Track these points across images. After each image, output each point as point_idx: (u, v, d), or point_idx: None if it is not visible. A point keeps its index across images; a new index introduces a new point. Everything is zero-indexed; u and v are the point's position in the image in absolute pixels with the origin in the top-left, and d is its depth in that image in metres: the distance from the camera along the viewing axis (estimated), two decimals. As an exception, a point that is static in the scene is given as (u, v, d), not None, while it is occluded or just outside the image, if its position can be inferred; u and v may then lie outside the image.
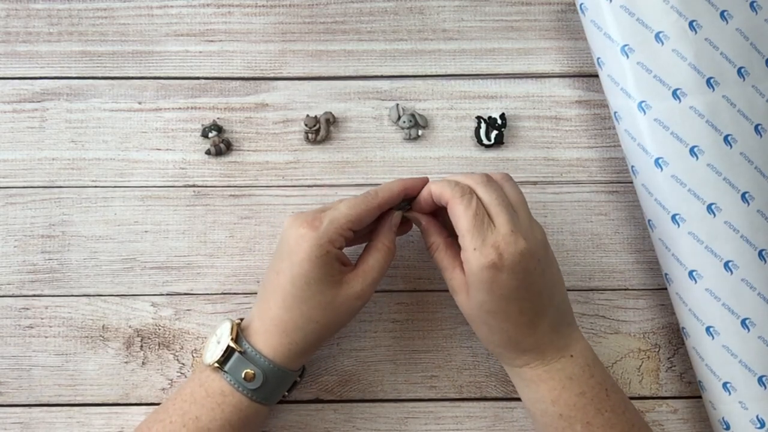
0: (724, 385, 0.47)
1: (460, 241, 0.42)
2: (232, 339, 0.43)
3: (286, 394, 0.47)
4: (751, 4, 0.47)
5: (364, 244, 0.47)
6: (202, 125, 0.52)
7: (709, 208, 0.46)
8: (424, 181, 0.46)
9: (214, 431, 0.43)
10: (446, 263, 0.44)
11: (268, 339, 0.43)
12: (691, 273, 0.47)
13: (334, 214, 0.43)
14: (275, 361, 0.43)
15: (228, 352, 0.43)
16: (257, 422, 0.45)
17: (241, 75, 0.53)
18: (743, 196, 0.46)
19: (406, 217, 0.47)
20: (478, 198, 0.42)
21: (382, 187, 0.45)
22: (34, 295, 0.51)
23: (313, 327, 0.43)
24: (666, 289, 0.50)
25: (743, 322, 0.46)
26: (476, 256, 0.41)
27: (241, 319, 0.46)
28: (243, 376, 0.43)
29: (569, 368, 0.43)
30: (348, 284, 0.44)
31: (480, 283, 0.41)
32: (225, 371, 0.43)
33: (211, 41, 0.53)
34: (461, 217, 0.41)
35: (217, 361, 0.43)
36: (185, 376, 0.51)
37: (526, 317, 0.42)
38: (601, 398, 0.43)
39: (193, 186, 0.52)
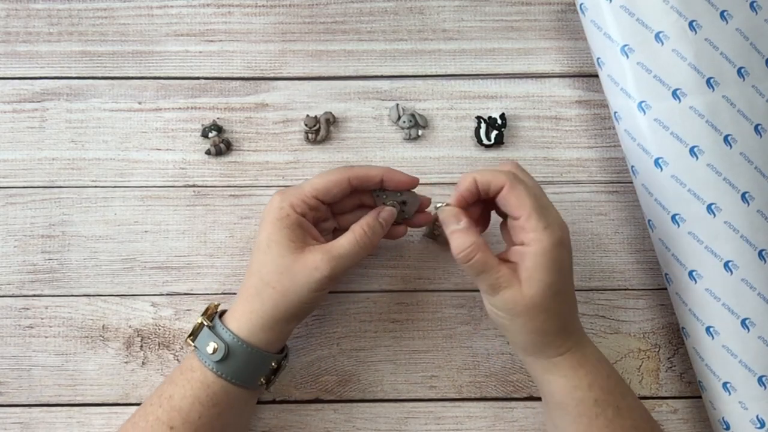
0: (724, 385, 0.47)
1: (525, 222, 0.41)
2: (204, 314, 0.45)
3: (263, 381, 0.45)
4: (751, 4, 0.47)
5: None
6: (202, 125, 0.52)
7: (709, 208, 0.46)
8: (410, 180, 0.45)
9: (185, 408, 0.43)
10: (492, 262, 0.42)
11: (234, 312, 0.44)
12: (691, 273, 0.47)
13: (303, 183, 0.45)
14: (239, 334, 0.43)
15: (199, 327, 0.44)
16: (228, 404, 0.44)
17: (241, 75, 0.53)
18: (743, 196, 0.46)
19: (405, 218, 0.47)
20: None
21: (359, 165, 0.45)
22: (34, 295, 0.51)
23: (270, 293, 0.43)
24: (666, 289, 0.50)
25: (743, 322, 0.46)
26: (548, 234, 0.41)
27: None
28: (209, 350, 0.43)
29: (596, 351, 0.44)
30: (309, 253, 0.43)
31: (552, 262, 0.41)
32: (195, 346, 0.44)
33: (211, 41, 0.53)
34: (525, 198, 0.41)
35: (189, 337, 0.44)
36: (185, 376, 0.51)
37: (573, 296, 0.43)
38: (620, 381, 0.44)
39: (193, 186, 0.52)
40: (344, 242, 0.44)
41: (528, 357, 0.44)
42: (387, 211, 0.46)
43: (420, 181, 0.46)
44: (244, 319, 0.44)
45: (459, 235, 0.42)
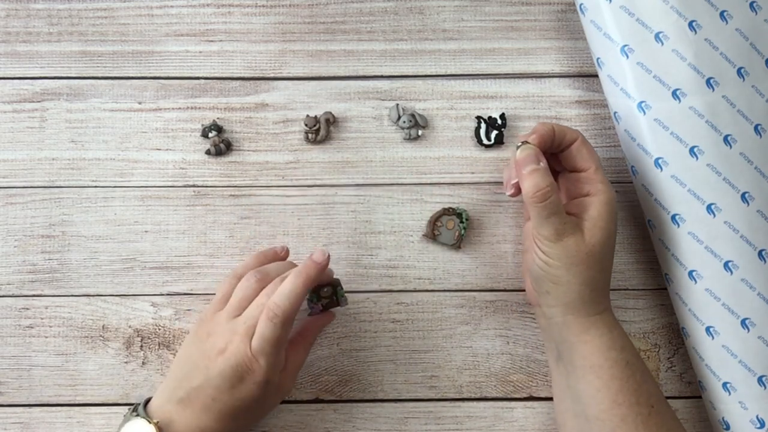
0: (724, 385, 0.47)
1: (594, 174, 0.45)
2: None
3: None
4: (751, 5, 0.47)
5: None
6: (202, 125, 0.52)
7: (709, 208, 0.46)
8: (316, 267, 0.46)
9: None
10: (561, 207, 0.43)
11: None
12: (691, 273, 0.47)
13: (270, 362, 0.43)
14: None
15: None
16: None
17: (241, 75, 0.53)
18: (743, 196, 0.46)
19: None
20: None
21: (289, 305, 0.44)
22: (34, 295, 0.51)
23: (246, 430, 0.46)
24: (666, 289, 0.50)
25: (743, 322, 0.46)
26: (610, 187, 0.45)
27: (148, 400, 0.45)
28: None
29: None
30: (282, 388, 0.45)
31: (613, 213, 0.44)
32: None
33: (211, 41, 0.53)
34: (594, 153, 0.45)
35: None
36: (185, 376, 0.51)
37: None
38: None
39: (193, 186, 0.52)
40: (299, 360, 0.47)
41: (568, 316, 0.44)
42: (327, 320, 0.50)
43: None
44: None
45: (539, 174, 0.43)
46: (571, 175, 0.47)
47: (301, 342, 0.48)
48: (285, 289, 0.43)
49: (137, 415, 0.43)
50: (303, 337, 0.48)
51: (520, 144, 0.45)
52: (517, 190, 0.45)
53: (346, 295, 0.48)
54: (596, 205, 0.44)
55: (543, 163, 0.44)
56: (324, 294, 0.47)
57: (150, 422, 0.42)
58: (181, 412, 0.43)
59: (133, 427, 0.42)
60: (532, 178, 0.43)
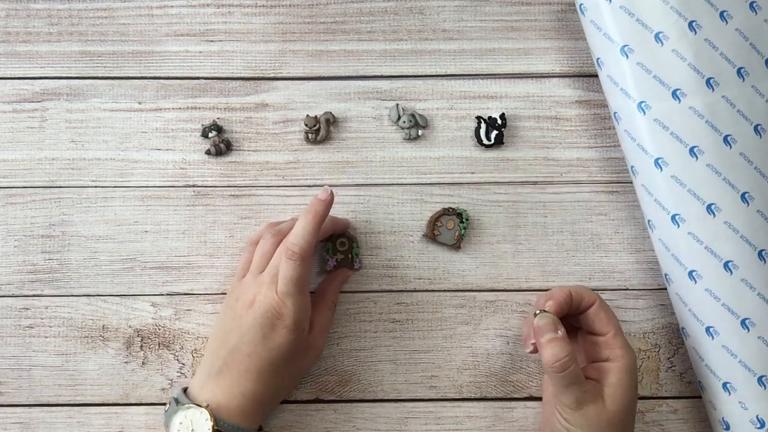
0: (724, 385, 0.47)
1: (612, 339, 0.44)
2: (214, 429, 0.42)
3: None
4: (751, 5, 0.47)
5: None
6: (202, 125, 0.52)
7: (709, 208, 0.46)
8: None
9: None
10: (581, 375, 0.43)
11: (247, 414, 0.44)
12: (691, 273, 0.47)
13: (297, 303, 0.44)
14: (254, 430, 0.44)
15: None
16: None
17: (241, 75, 0.53)
18: (743, 196, 0.46)
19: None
20: None
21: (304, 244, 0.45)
22: (34, 295, 0.51)
23: (285, 392, 0.48)
24: (666, 289, 0.50)
25: (743, 322, 0.46)
26: (631, 353, 0.44)
27: (184, 389, 0.45)
28: None
29: None
30: (313, 346, 0.47)
31: (634, 380, 0.44)
32: None
33: (211, 41, 0.53)
34: (612, 317, 0.45)
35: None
36: (185, 376, 0.51)
37: None
38: None
39: (193, 186, 0.52)
40: (327, 321, 0.49)
41: None
42: (345, 276, 0.51)
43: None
44: (257, 417, 0.45)
45: (558, 344, 0.43)
46: (590, 337, 0.46)
47: (323, 302, 0.49)
48: (298, 229, 0.44)
49: (184, 404, 0.42)
50: (324, 297, 0.49)
51: (537, 312, 0.44)
52: (536, 349, 0.45)
53: (361, 256, 0.50)
54: (616, 371, 0.43)
55: (561, 332, 0.43)
56: (340, 247, 0.50)
57: (201, 407, 0.42)
58: (222, 383, 0.44)
59: (188, 418, 0.42)
60: (551, 348, 0.42)
